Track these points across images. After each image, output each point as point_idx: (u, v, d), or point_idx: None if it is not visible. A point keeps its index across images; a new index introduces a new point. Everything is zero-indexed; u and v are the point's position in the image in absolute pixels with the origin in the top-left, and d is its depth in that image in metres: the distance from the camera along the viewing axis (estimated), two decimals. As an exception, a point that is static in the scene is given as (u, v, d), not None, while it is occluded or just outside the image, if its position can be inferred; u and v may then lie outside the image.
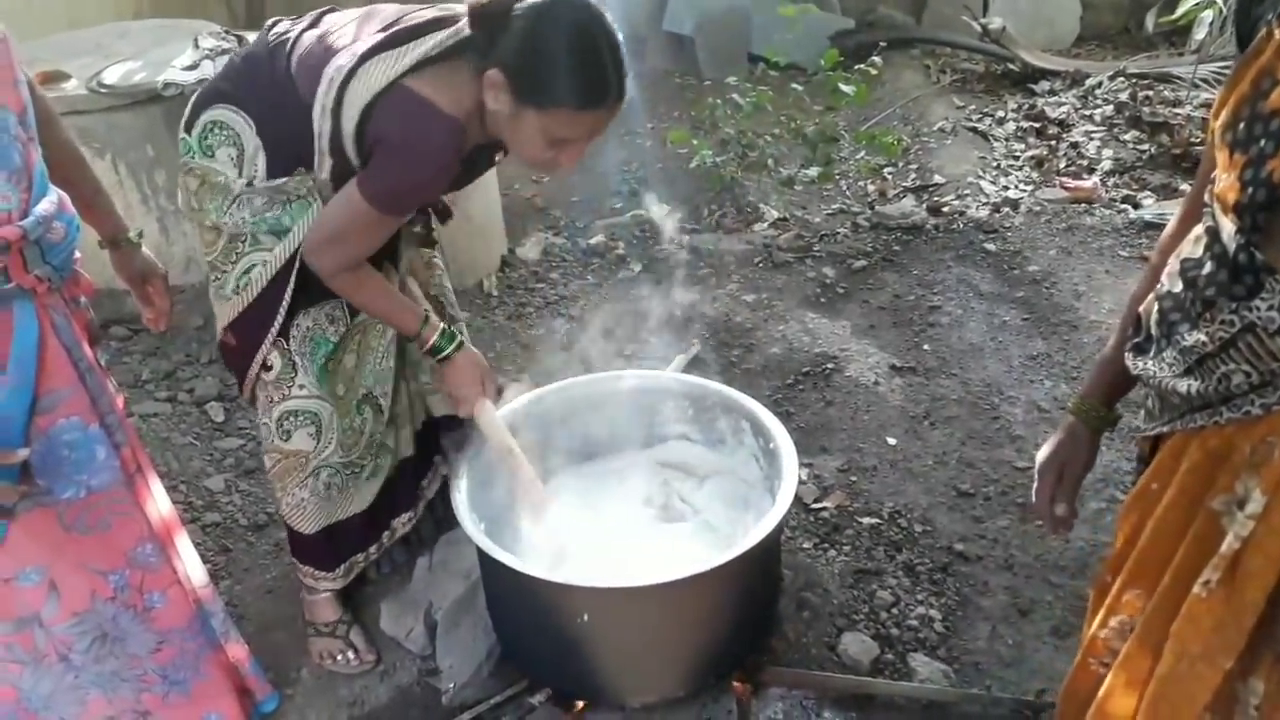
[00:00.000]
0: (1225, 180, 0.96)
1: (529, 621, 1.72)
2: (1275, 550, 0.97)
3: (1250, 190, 0.92)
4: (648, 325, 3.27)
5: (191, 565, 1.68)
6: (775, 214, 3.98)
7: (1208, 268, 0.99)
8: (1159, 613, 1.10)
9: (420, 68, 1.56)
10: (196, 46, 3.12)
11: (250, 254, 1.73)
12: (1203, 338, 0.99)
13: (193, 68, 3.01)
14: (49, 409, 1.39)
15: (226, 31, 3.25)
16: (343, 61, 1.59)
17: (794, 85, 4.05)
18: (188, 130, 1.72)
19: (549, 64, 1.49)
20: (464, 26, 1.57)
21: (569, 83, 1.49)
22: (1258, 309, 0.93)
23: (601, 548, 1.81)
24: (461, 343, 1.84)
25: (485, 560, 1.72)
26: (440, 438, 2.16)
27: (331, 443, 1.88)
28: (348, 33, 1.66)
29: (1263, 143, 0.91)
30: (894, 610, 2.16)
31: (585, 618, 1.61)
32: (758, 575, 1.76)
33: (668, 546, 1.80)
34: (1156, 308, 1.09)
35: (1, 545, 1.41)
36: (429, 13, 1.62)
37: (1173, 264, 1.08)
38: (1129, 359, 1.14)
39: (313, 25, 1.72)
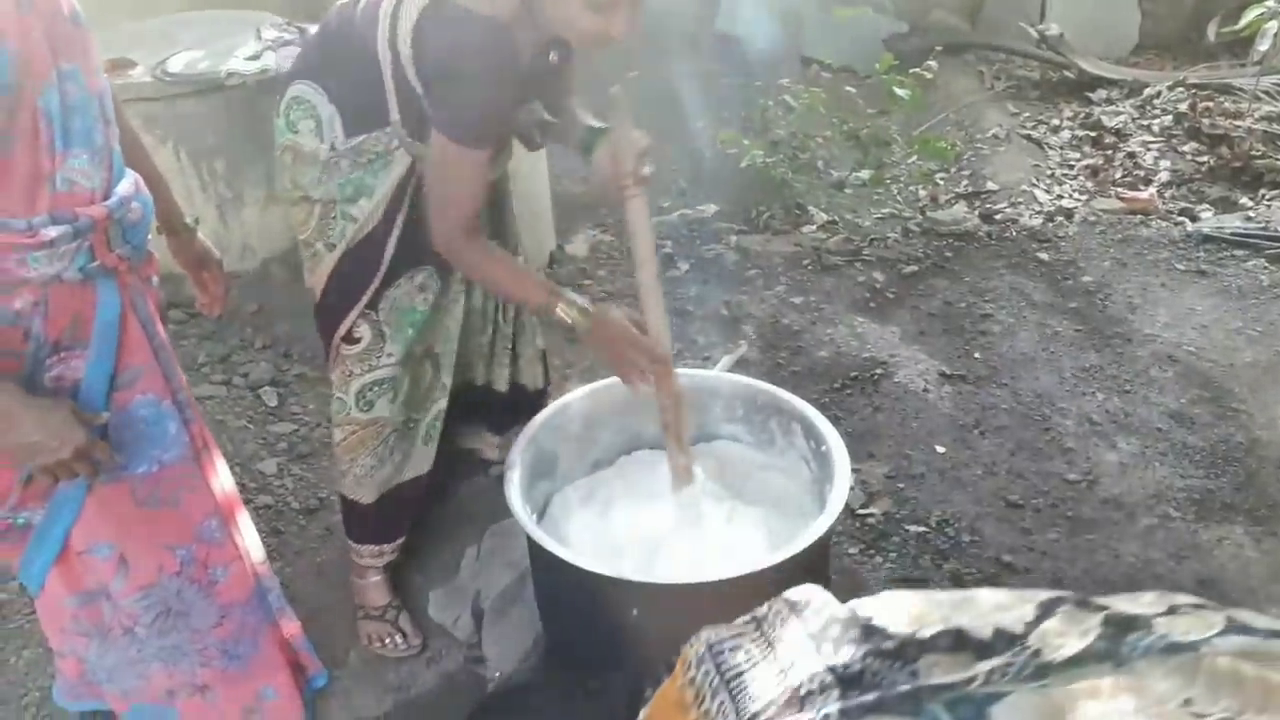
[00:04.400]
0: None
1: (578, 614, 1.73)
2: None
3: None
4: (694, 324, 3.28)
5: (251, 541, 1.71)
6: (824, 216, 3.96)
7: None
8: None
9: None
10: (259, 37, 3.17)
11: (340, 224, 1.78)
12: None
13: (255, 58, 3.06)
14: (127, 385, 1.43)
15: (288, 23, 3.30)
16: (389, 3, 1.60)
17: (847, 88, 4.03)
18: (276, 113, 1.78)
19: None
20: None
21: None
22: None
23: (650, 541, 1.82)
24: (592, 313, 1.74)
25: (536, 552, 1.73)
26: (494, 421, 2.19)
27: (401, 403, 1.93)
28: None
29: None
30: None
31: (636, 612, 1.62)
32: (807, 577, 1.75)
33: (716, 544, 1.80)
34: None
35: (77, 520, 1.46)
36: None
37: None
38: None
39: None
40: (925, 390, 2.91)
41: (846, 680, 1.16)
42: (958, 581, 2.25)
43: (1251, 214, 3.75)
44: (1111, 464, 2.61)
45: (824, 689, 1.17)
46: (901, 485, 2.55)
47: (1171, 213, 3.88)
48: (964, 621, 1.20)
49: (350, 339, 1.86)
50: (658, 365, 1.79)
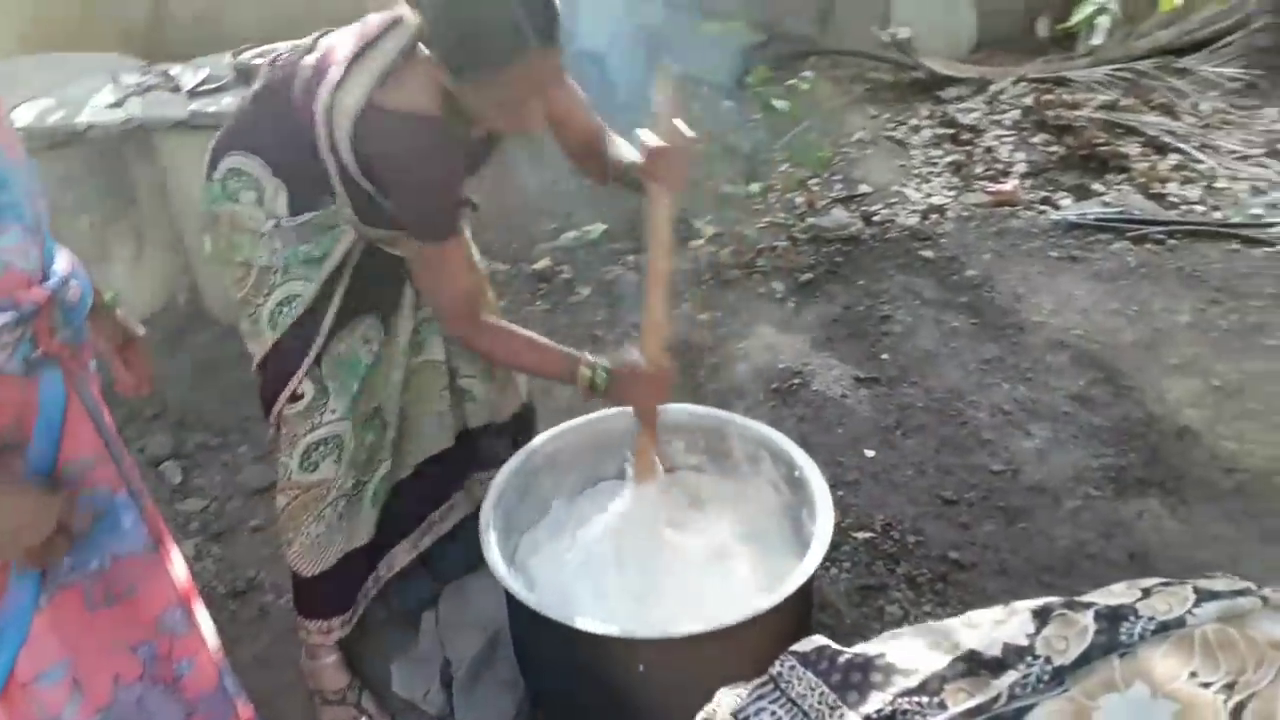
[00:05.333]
0: None
1: (576, 675, 1.67)
2: None
3: None
4: (607, 349, 3.23)
5: (208, 628, 1.58)
6: (710, 230, 3.99)
7: None
8: None
9: (386, 78, 1.53)
10: (116, 82, 2.94)
11: (284, 285, 1.70)
12: None
13: (117, 105, 2.84)
14: (74, 478, 1.29)
15: (148, 65, 3.08)
16: (324, 94, 1.56)
17: (725, 103, 4.08)
18: (210, 178, 1.69)
19: (455, 33, 1.44)
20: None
21: (478, 47, 1.43)
22: None
23: (635, 585, 1.77)
24: (613, 372, 1.76)
25: (525, 616, 1.65)
26: (470, 475, 2.11)
27: (347, 464, 1.83)
28: (333, 56, 1.60)
29: None
30: (905, 624, 2.18)
31: (642, 668, 1.57)
32: (801, 607, 1.75)
33: (707, 582, 1.77)
34: None
35: (24, 643, 1.30)
36: (394, 11, 1.57)
37: None
38: None
39: (311, 50, 1.67)
40: (844, 396, 2.96)
41: None
42: (912, 584, 2.30)
43: (1107, 199, 4.01)
44: (1029, 451, 2.72)
45: None
46: (841, 493, 2.58)
47: (1034, 203, 4.09)
48: (972, 644, 1.22)
49: (293, 397, 1.77)
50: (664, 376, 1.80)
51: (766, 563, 1.82)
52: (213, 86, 2.95)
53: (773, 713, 1.23)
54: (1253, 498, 2.50)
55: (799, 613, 1.68)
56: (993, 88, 5.04)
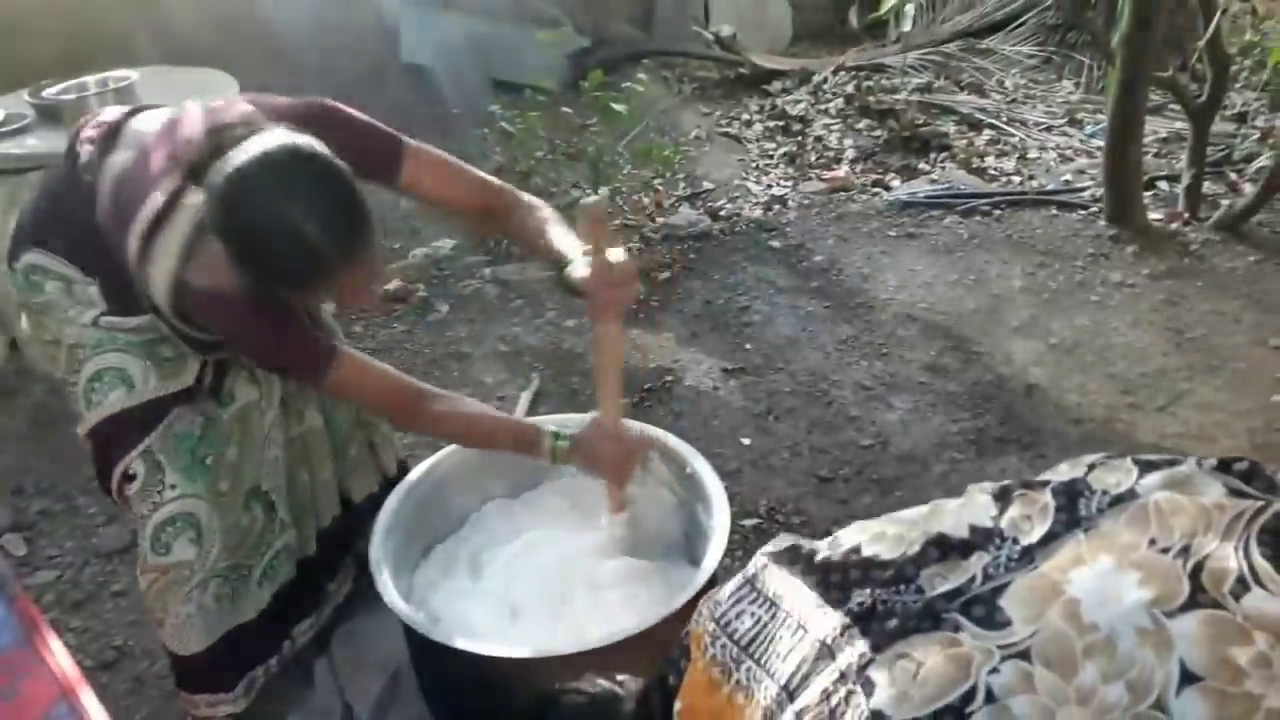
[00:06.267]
0: None
1: (490, 703, 1.62)
2: None
3: None
4: (476, 365, 3.18)
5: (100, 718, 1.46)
6: (561, 236, 3.98)
7: None
8: None
9: (189, 253, 1.44)
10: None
11: (94, 358, 1.60)
12: None
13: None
14: None
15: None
16: (131, 249, 1.45)
17: (565, 110, 4.08)
18: (11, 265, 1.60)
19: (242, 253, 1.35)
20: None
21: (269, 269, 1.37)
22: None
23: (542, 606, 1.74)
24: (569, 436, 1.70)
25: (433, 651, 1.60)
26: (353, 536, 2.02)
27: (215, 546, 1.72)
28: (136, 188, 1.47)
29: None
30: (801, 604, 2.23)
31: (558, 687, 1.54)
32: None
33: (610, 587, 1.75)
34: None
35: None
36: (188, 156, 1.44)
37: None
38: None
39: (109, 146, 1.54)
40: (715, 389, 3.01)
41: (862, 616, 1.17)
42: (803, 564, 2.35)
43: (934, 177, 4.23)
44: (894, 423, 2.83)
45: (846, 631, 1.18)
46: (724, 483, 2.58)
47: (867, 186, 4.27)
48: (940, 528, 1.26)
49: (127, 476, 1.66)
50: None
51: (670, 563, 1.82)
52: (14, 127, 2.74)
53: (753, 614, 1.22)
54: (1099, 444, 2.68)
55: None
56: (815, 78, 5.23)
